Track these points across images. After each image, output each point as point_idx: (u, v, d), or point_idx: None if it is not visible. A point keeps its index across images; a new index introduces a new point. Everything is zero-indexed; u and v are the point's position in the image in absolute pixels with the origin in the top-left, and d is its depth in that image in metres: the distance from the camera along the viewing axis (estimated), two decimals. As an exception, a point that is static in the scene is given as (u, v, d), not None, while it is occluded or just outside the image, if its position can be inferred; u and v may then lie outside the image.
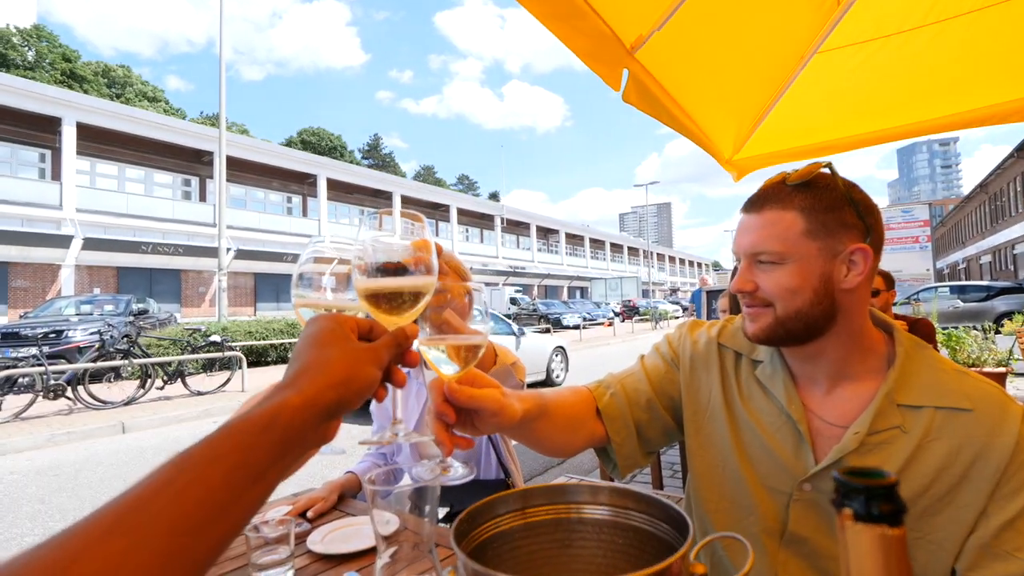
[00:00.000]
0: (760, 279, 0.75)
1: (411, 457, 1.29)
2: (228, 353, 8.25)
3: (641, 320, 26.91)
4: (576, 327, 21.76)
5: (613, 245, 54.11)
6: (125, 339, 7.13)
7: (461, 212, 35.79)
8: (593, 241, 50.17)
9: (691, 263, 77.67)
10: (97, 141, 20.95)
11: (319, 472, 5.06)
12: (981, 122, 2.25)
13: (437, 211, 35.34)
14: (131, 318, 7.84)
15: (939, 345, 3.94)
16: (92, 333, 8.62)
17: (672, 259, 71.81)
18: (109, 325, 7.91)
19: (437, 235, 35.12)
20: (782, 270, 0.73)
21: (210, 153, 23.04)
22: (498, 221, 37.54)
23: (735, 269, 0.85)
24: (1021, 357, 4.76)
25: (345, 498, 1.29)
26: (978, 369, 4.91)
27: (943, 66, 2.04)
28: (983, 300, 14.34)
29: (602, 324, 25.19)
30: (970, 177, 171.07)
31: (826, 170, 0.75)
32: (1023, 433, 0.68)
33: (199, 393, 7.71)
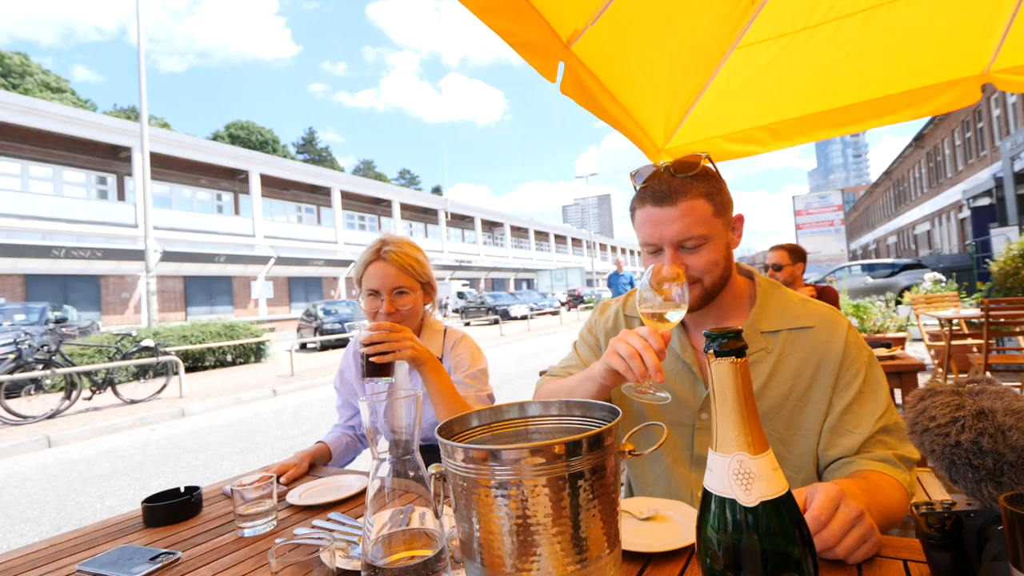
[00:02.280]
0: (688, 260, 0.87)
1: (383, 425, 1.33)
2: (163, 358, 7.81)
3: (586, 308, 27.61)
4: (524, 318, 22.04)
5: (557, 236, 54.91)
6: (44, 348, 6.59)
7: (404, 207, 35.20)
8: (538, 233, 50.71)
9: (632, 252, 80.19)
10: (-6, 136, 18.99)
11: (293, 447, 4.96)
12: (882, 117, 2.53)
13: (379, 206, 34.57)
14: (50, 326, 7.24)
15: (847, 314, 4.37)
16: (4, 344, 7.90)
17: (614, 248, 73.84)
18: (25, 334, 7.27)
19: (380, 230, 34.43)
20: (706, 249, 0.87)
21: (128, 149, 21.38)
22: (442, 215, 37.21)
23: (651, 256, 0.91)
24: (916, 323, 5.35)
25: (316, 466, 1.32)
26: (881, 335, 5.47)
27: (842, 59, 2.28)
28: (889, 276, 15.78)
29: (548, 314, 25.65)
30: (877, 165, 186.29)
31: (708, 163, 0.88)
32: (849, 339, 0.88)
33: (132, 401, 7.26)
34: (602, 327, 1.10)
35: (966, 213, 19.19)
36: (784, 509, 0.44)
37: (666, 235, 0.86)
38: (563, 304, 28.60)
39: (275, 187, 28.22)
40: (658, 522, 0.79)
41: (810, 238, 20.18)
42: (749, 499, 0.44)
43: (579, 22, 1.61)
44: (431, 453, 1.30)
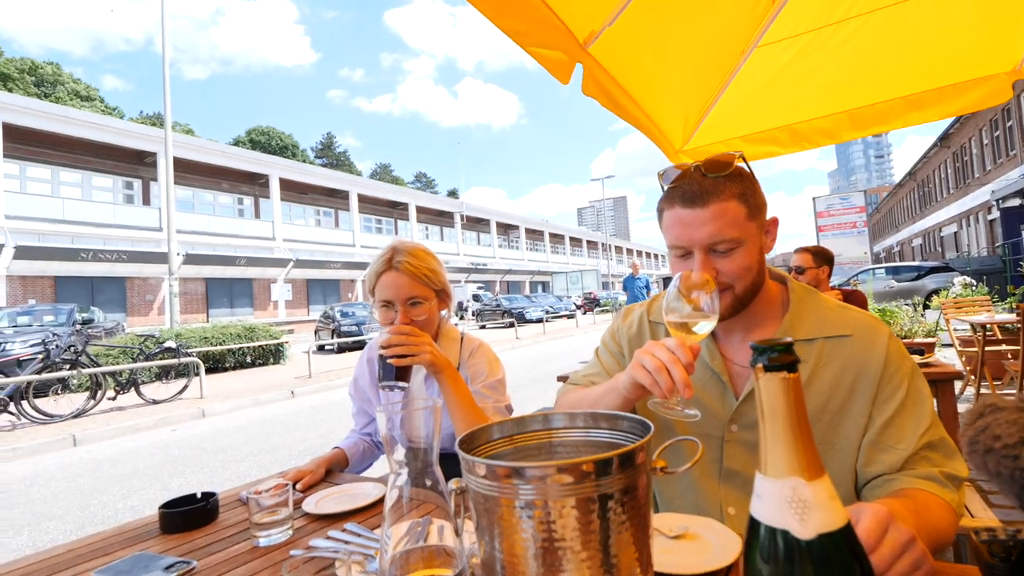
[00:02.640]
0: (719, 265, 0.82)
1: (400, 434, 1.32)
2: (184, 359, 7.95)
3: (602, 311, 27.43)
4: (539, 320, 21.97)
5: (572, 239, 54.81)
6: (71, 349, 6.76)
7: (420, 210, 35.46)
8: (553, 236, 50.68)
9: (648, 254, 79.59)
10: (27, 143, 19.60)
11: (311, 448, 5.01)
12: (907, 116, 2.46)
13: (396, 209, 34.87)
14: (77, 327, 7.42)
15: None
16: (34, 344, 8.12)
17: (630, 251, 73.39)
18: (53, 335, 7.47)
19: (396, 233, 34.74)
20: (739, 253, 0.82)
21: (153, 154, 21.90)
22: (458, 218, 37.38)
23: (679, 258, 0.87)
24: (946, 327, 5.18)
25: (333, 472, 1.31)
26: (909, 341, 5.31)
27: (866, 56, 2.22)
28: (915, 279, 15.36)
29: (564, 317, 25.55)
30: (900, 166, 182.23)
31: (742, 163, 0.84)
32: (891, 348, 0.83)
33: (155, 402, 7.40)
34: (625, 333, 1.05)
35: (995, 214, 18.64)
36: (844, 543, 0.40)
37: (696, 238, 0.81)
38: (579, 307, 28.44)
39: (294, 191, 28.66)
40: (689, 541, 0.75)
41: (832, 240, 19.75)
42: (805, 531, 0.40)
43: (596, 23, 1.58)
44: (449, 463, 1.29)
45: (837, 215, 20.31)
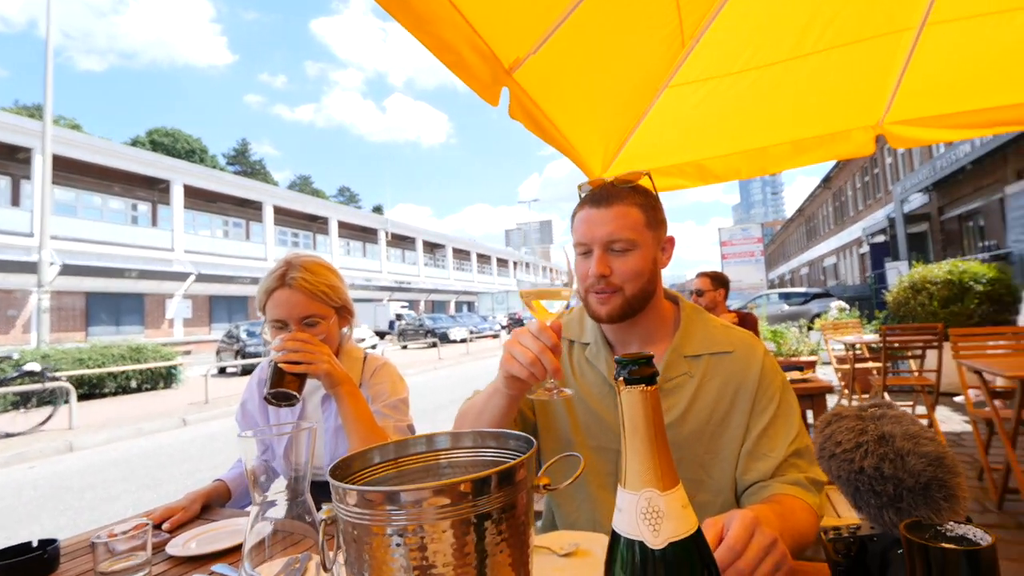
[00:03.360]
0: (614, 264, 0.89)
1: (283, 462, 1.23)
2: (50, 384, 6.99)
3: (525, 332, 27.73)
4: (463, 341, 21.84)
5: (500, 260, 55.37)
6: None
7: (342, 225, 34.24)
8: (480, 256, 50.91)
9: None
10: None
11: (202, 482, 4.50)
12: (793, 159, 2.77)
13: (315, 223, 33.43)
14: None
15: (765, 339, 4.68)
16: None
17: (552, 270, 75.15)
18: None
19: (315, 248, 33.24)
20: (632, 256, 0.89)
21: (27, 150, 19.46)
22: (382, 235, 36.54)
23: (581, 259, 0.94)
24: (825, 347, 5.82)
25: (212, 507, 1.17)
26: (796, 359, 5.87)
27: (761, 104, 2.47)
28: (802, 304, 17.17)
29: (489, 336, 25.57)
30: (791, 202, 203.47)
31: (647, 181, 0.95)
32: (765, 364, 0.92)
33: (8, 435, 6.41)
34: None
35: (865, 248, 21.25)
36: (693, 549, 0.42)
37: (597, 235, 0.88)
38: (504, 327, 28.63)
39: (200, 199, 26.62)
40: (580, 558, 0.74)
41: (734, 267, 21.61)
42: (657, 540, 0.41)
43: (521, 51, 1.63)
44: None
45: (738, 244, 22.27)
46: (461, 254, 48.28)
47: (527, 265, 53.87)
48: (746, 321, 3.09)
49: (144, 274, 21.64)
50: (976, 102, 2.47)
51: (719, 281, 3.16)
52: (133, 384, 10.28)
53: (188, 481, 4.63)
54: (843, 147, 2.70)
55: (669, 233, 0.96)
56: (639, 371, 0.42)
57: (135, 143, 44.56)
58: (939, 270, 5.57)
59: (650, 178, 0.95)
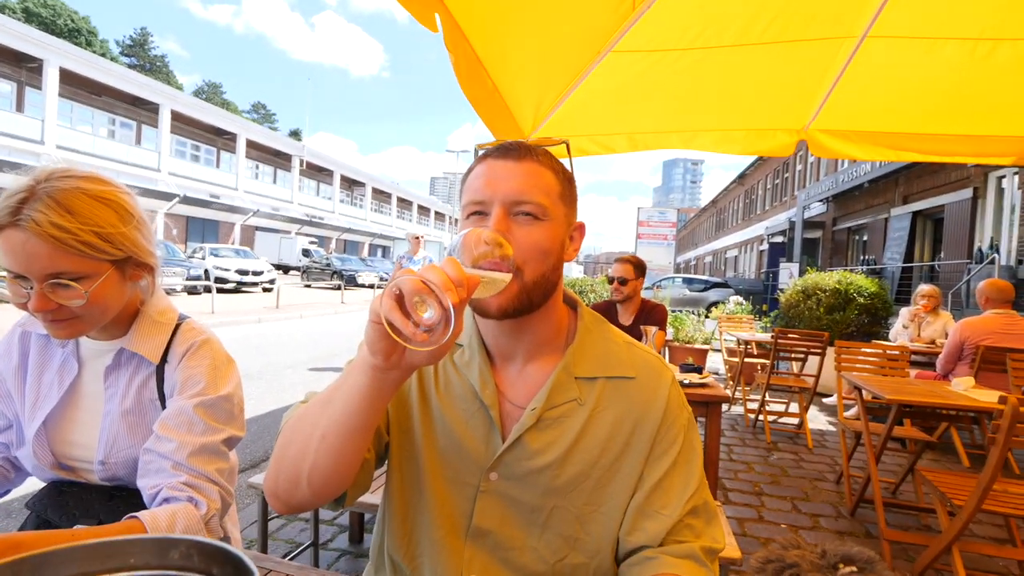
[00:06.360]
0: (517, 234, 0.68)
1: (34, 452, 0.93)
2: None
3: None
4: (371, 286, 21.15)
5: (421, 207, 53.73)
6: None
7: (252, 145, 31.19)
8: (401, 200, 49.03)
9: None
10: None
11: None
12: (718, 145, 2.79)
13: (220, 138, 30.19)
14: None
15: (668, 325, 4.87)
16: None
17: (476, 229, 74.57)
18: None
19: (218, 167, 30.22)
20: (540, 228, 0.69)
21: None
22: (296, 162, 33.88)
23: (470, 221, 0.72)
24: (719, 338, 6.22)
25: None
26: (690, 345, 6.24)
27: (698, 85, 2.41)
28: (702, 291, 18.45)
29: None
30: (707, 193, 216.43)
31: (567, 153, 0.78)
32: (672, 396, 0.75)
33: None
34: None
35: (765, 246, 23.12)
36: None
37: (501, 190, 0.68)
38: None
39: (82, 88, 22.90)
40: None
41: (647, 248, 22.79)
42: None
43: (454, -29, 1.39)
44: (126, 500, 0.94)
45: (654, 226, 23.39)
46: (381, 196, 46.27)
47: (455, 221, 52.88)
48: (654, 314, 3.07)
49: (-2, 165, 18.43)
50: (895, 125, 2.57)
51: (641, 269, 3.09)
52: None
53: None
54: (767, 144, 2.75)
55: (580, 219, 0.79)
56: None
57: (3, 8, 36.97)
58: (829, 279, 6.01)
59: (568, 150, 0.78)
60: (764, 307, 9.95)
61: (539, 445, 0.71)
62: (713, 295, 17.95)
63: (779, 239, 19.64)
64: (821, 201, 17.71)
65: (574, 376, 0.74)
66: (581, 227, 0.78)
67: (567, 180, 0.75)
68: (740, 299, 8.19)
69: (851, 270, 6.64)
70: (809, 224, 18.09)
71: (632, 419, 0.74)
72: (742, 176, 32.19)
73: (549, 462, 0.71)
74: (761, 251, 26.19)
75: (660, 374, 0.77)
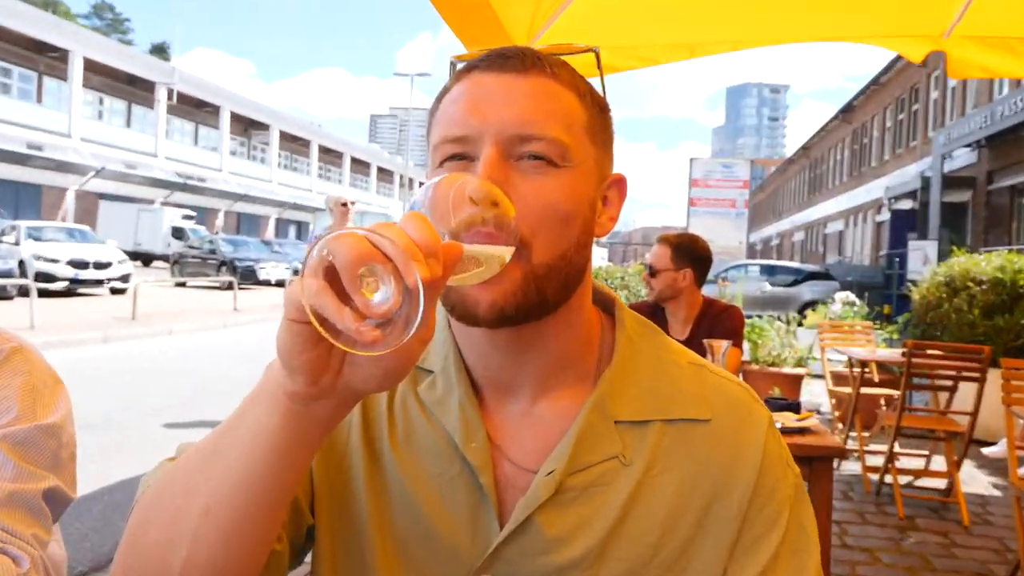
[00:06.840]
0: (521, 189, 0.65)
1: None
2: None
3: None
4: (279, 284, 21.10)
5: (356, 161, 53.98)
6: None
7: (93, 67, 31.28)
8: (325, 151, 49.32)
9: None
10: None
11: None
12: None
13: (44, 56, 30.19)
14: None
15: (745, 337, 4.86)
16: None
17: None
18: None
19: (40, 101, 30.14)
20: (558, 180, 0.67)
21: None
22: (162, 94, 34.05)
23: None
24: (819, 357, 6.22)
25: None
26: (776, 369, 6.26)
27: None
28: (791, 285, 18.63)
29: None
30: (795, 137, 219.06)
31: (592, 56, 0.77)
32: (770, 449, 0.74)
33: None
34: None
35: (885, 215, 23.43)
36: None
37: (495, 118, 0.66)
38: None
39: None
40: None
41: (705, 220, 22.72)
42: None
43: None
44: None
45: (715, 187, 23.42)
46: (294, 143, 46.48)
47: (410, 183, 53.05)
48: (724, 320, 3.02)
49: None
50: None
51: (686, 255, 2.98)
52: None
53: None
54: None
55: (636, 169, 0.76)
56: None
57: None
58: (987, 265, 6.03)
59: (598, 62, 0.76)
60: (887, 309, 10.03)
61: (560, 531, 0.69)
62: (808, 291, 18.16)
63: (907, 204, 19.89)
64: (969, 146, 17.92)
65: (613, 419, 0.72)
66: (621, 182, 0.77)
67: (598, 108, 0.73)
68: (850, 297, 8.22)
69: (1020, 250, 6.67)
70: (952, 181, 18.31)
71: (708, 486, 0.72)
72: (847, 109, 32.54)
73: (577, 558, 0.69)
74: (879, 223, 26.51)
75: (750, 413, 0.76)
